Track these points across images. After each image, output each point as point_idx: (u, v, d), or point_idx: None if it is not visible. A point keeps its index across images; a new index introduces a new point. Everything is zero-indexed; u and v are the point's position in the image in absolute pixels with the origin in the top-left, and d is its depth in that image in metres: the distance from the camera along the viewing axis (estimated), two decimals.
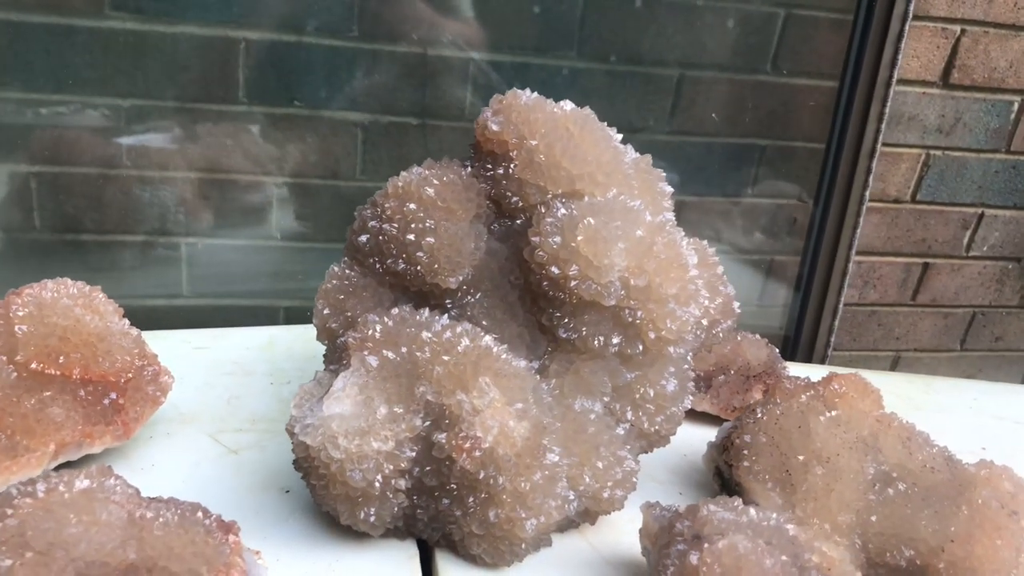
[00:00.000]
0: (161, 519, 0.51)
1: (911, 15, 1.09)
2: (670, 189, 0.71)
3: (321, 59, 1.11)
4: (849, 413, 0.72)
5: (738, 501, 0.61)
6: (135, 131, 1.10)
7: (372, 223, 0.68)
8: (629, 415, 0.67)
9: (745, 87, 1.23)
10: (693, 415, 0.88)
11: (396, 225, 0.67)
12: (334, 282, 0.69)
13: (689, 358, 0.70)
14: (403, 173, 0.69)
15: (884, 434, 0.72)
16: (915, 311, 1.50)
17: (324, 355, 0.68)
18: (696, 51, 1.21)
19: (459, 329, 0.62)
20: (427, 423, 0.60)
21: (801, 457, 0.69)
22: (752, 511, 0.60)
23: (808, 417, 0.71)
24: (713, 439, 0.77)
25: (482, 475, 0.59)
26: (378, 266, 0.68)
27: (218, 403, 0.80)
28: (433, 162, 0.70)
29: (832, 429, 0.70)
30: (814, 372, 0.98)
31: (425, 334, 0.62)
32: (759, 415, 0.72)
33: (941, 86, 1.32)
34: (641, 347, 0.65)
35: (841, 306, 1.19)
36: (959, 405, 1.05)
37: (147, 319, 1.17)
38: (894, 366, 1.54)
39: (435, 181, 0.68)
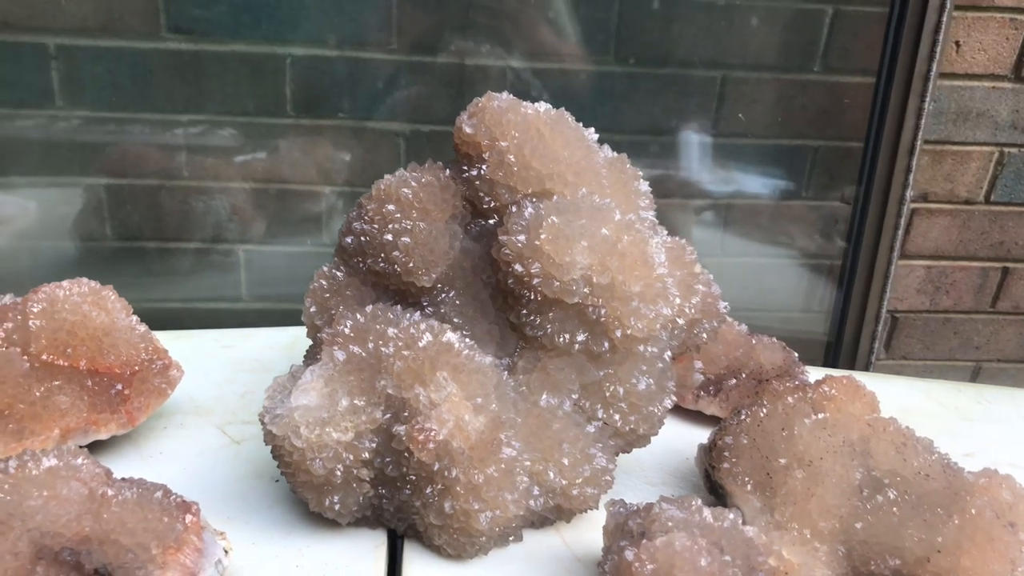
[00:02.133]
0: (120, 497, 0.55)
1: (950, 6, 1.04)
2: (646, 188, 0.71)
3: (362, 72, 1.16)
4: (837, 416, 0.69)
5: (696, 500, 0.60)
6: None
7: (356, 224, 0.71)
8: (600, 413, 0.67)
9: (793, 87, 1.20)
10: (702, 418, 0.87)
11: (376, 225, 0.70)
12: (321, 282, 0.72)
13: (667, 357, 0.69)
14: (386, 176, 0.71)
15: (876, 439, 0.69)
16: (996, 319, 1.42)
17: (307, 350, 0.71)
18: (739, 52, 1.19)
19: (423, 325, 0.64)
20: (388, 415, 0.62)
21: (783, 460, 0.67)
22: (707, 511, 0.59)
23: (793, 419, 0.69)
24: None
25: (437, 467, 0.61)
26: (361, 266, 0.71)
27: (233, 398, 0.84)
28: (416, 165, 0.72)
29: (817, 432, 0.68)
30: None
31: (391, 330, 0.64)
32: (743, 416, 0.70)
33: (1013, 80, 1.25)
34: (607, 344, 0.65)
35: (884, 311, 1.14)
36: (1013, 416, 0.99)
37: (207, 320, 1.25)
38: (975, 377, 1.46)
39: (413, 183, 0.70)
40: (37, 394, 0.67)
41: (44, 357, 0.69)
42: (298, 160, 1.19)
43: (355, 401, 0.62)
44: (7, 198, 1.21)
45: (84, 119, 1.14)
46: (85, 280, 0.74)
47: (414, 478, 0.62)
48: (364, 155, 1.20)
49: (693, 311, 0.69)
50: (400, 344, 0.63)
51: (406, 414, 0.61)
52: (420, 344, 0.63)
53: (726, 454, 0.69)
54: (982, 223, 1.34)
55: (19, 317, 0.70)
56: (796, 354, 0.89)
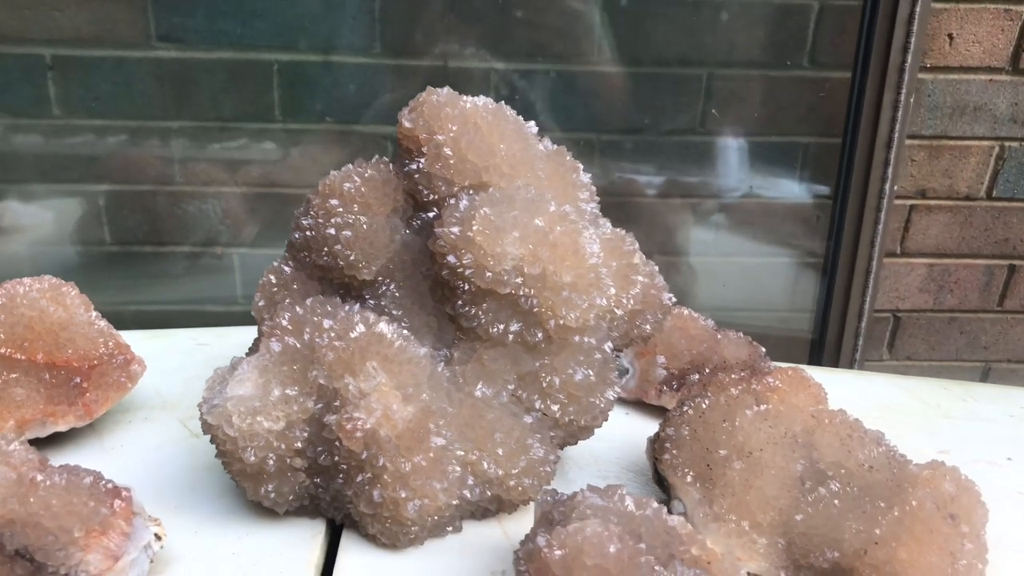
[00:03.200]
0: (49, 482, 0.57)
1: None
2: (587, 179, 0.71)
3: (348, 76, 1.18)
4: (780, 408, 0.68)
5: (622, 489, 0.60)
6: (188, 151, 1.21)
7: (302, 220, 0.72)
8: (538, 404, 0.67)
9: (780, 83, 1.19)
10: (664, 413, 0.86)
11: (320, 220, 0.71)
12: (270, 277, 0.73)
13: (607, 348, 0.69)
14: (332, 172, 0.72)
15: (820, 431, 0.68)
16: (1004, 317, 1.38)
17: (252, 343, 0.73)
18: (726, 49, 1.18)
19: (357, 316, 0.65)
20: (320, 405, 0.63)
21: (723, 451, 0.67)
22: (629, 500, 0.59)
23: (735, 411, 0.68)
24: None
25: (365, 455, 0.61)
26: (308, 260, 0.72)
27: (199, 393, 0.85)
28: (363, 160, 0.73)
29: (757, 423, 0.67)
30: (823, 376, 0.94)
31: (326, 322, 0.65)
32: (685, 408, 0.70)
33: (1011, 72, 1.22)
34: (541, 334, 0.65)
35: (867, 308, 1.12)
36: (999, 414, 0.96)
37: (203, 322, 1.27)
38: (984, 378, 1.43)
39: (356, 178, 0.71)
40: None
41: (2, 351, 0.71)
42: (288, 164, 1.21)
43: (287, 391, 0.63)
44: (25, 208, 1.25)
45: (80, 128, 1.18)
46: (48, 277, 0.77)
47: (345, 467, 0.63)
48: (352, 158, 1.21)
49: (632, 302, 0.68)
50: (332, 335, 0.64)
51: (337, 404, 0.62)
52: (352, 335, 0.64)
53: (667, 445, 0.69)
54: (984, 219, 1.31)
55: None
56: (763, 349, 0.88)
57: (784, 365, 0.83)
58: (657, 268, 0.72)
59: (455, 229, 0.65)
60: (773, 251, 1.26)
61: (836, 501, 0.64)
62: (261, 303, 0.73)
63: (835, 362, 1.18)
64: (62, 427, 0.73)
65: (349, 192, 0.70)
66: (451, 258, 0.65)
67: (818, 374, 1.02)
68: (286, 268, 0.73)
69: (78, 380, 0.73)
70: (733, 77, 1.19)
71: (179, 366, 0.91)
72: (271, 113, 1.19)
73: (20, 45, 1.13)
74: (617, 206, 1.25)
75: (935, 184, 1.26)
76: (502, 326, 0.65)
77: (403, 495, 0.62)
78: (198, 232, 1.24)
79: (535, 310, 0.64)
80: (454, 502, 0.64)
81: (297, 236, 0.73)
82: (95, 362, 0.75)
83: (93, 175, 1.21)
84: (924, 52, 1.17)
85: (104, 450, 0.76)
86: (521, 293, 0.64)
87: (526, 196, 0.66)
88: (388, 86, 1.18)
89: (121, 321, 1.23)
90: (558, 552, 0.53)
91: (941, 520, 0.62)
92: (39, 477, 0.57)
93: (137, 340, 0.96)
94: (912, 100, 1.06)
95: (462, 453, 0.65)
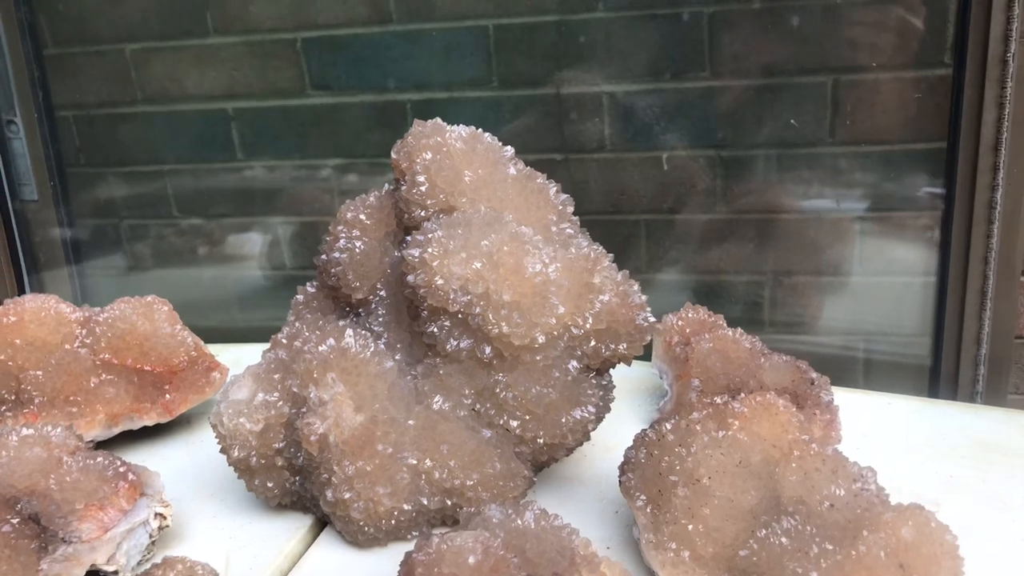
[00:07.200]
0: (70, 462, 0.69)
1: None
2: (559, 200, 0.72)
3: (470, 110, 1.25)
4: (739, 436, 0.64)
5: (532, 505, 0.60)
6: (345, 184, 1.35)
7: (322, 245, 0.81)
8: (497, 419, 0.69)
9: (919, 85, 1.07)
10: None
11: (329, 245, 0.79)
12: (299, 296, 0.82)
13: (571, 367, 0.69)
14: (347, 201, 0.80)
15: (785, 463, 0.63)
16: None
17: None
18: (851, 53, 1.09)
19: (332, 332, 0.71)
20: (293, 411, 0.70)
21: (673, 477, 0.64)
22: (530, 516, 0.59)
23: (692, 436, 0.65)
24: None
25: (319, 458, 0.67)
26: (326, 281, 0.80)
27: None
28: (373, 189, 0.80)
29: (710, 450, 0.64)
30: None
31: (312, 336, 0.72)
32: (648, 431, 0.68)
33: None
34: (490, 350, 0.67)
35: (986, 333, 0.94)
36: None
37: None
38: None
39: (359, 205, 0.78)
40: (92, 384, 0.85)
41: (103, 356, 0.87)
42: None
43: (268, 397, 0.71)
44: (259, 237, 1.47)
45: (259, 168, 1.37)
46: (151, 296, 0.92)
47: (310, 468, 0.69)
48: None
49: (592, 321, 0.68)
50: (305, 348, 0.71)
51: (304, 410, 0.69)
52: (320, 348, 0.70)
53: (626, 467, 0.67)
54: None
55: (92, 324, 0.88)
56: (814, 375, 0.81)
57: (841, 390, 0.77)
58: (637, 287, 0.71)
59: (415, 251, 0.69)
60: (900, 270, 1.13)
61: (784, 539, 0.59)
62: (291, 318, 0.82)
63: (952, 394, 1.02)
64: (147, 422, 0.87)
65: (351, 219, 0.77)
66: (410, 278, 0.69)
67: (911, 404, 0.91)
68: (310, 288, 0.82)
69: (160, 383, 0.87)
70: (861, 83, 1.10)
71: None
72: None
73: (210, 102, 1.34)
74: (745, 224, 1.20)
75: None
76: (455, 342, 0.69)
77: (347, 496, 0.67)
78: None
79: (483, 328, 0.67)
80: (406, 507, 0.68)
81: (317, 260, 0.81)
82: (176, 368, 0.88)
83: (273, 209, 1.39)
84: None
85: (187, 443, 0.90)
86: (469, 312, 0.67)
87: (483, 219, 0.69)
88: (506, 117, 1.24)
89: None
90: (421, 557, 0.55)
91: (886, 569, 0.55)
92: (65, 458, 0.70)
93: (255, 352, 1.11)
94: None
95: (414, 462, 0.68)
